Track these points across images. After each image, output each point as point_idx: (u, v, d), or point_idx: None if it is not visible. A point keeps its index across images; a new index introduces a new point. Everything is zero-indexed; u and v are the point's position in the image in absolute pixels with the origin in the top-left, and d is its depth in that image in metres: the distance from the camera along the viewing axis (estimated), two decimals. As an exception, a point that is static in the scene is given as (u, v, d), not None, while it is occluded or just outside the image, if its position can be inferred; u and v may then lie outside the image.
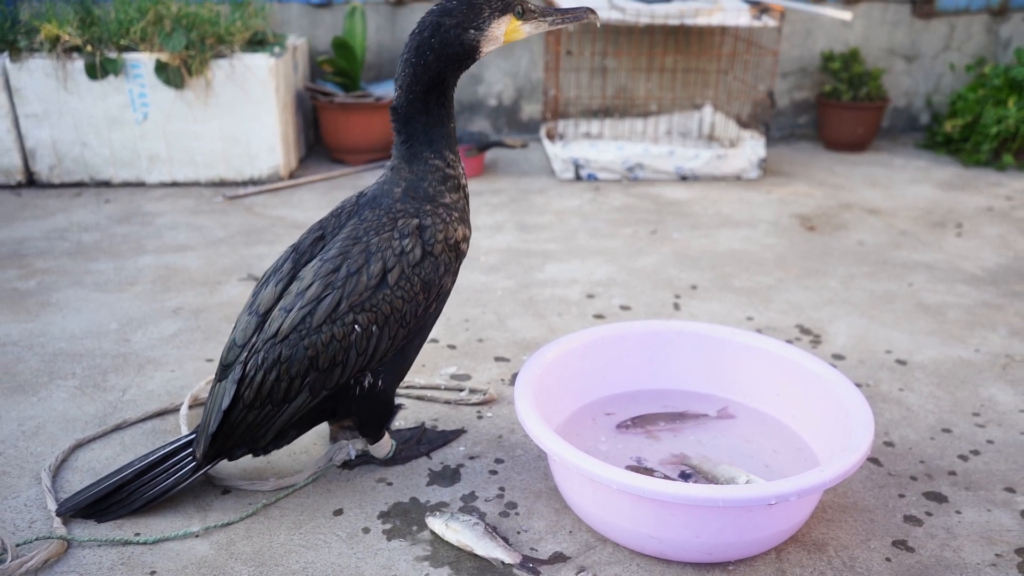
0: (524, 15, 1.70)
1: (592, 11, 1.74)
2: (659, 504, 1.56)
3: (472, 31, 1.67)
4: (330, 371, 1.72)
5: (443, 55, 1.67)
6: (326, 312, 1.68)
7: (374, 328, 1.71)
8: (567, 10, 1.73)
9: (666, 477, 1.89)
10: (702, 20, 4.30)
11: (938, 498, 1.94)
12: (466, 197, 1.85)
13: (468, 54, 1.69)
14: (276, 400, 1.72)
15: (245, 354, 1.74)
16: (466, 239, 1.82)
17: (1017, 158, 4.80)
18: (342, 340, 1.69)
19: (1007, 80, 4.88)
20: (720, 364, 2.18)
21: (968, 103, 4.97)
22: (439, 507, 1.87)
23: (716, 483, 1.87)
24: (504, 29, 1.69)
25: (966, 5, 5.26)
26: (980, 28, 5.32)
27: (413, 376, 2.41)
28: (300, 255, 1.81)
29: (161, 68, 4.00)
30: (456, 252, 1.79)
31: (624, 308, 2.93)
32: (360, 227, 1.77)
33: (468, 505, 1.88)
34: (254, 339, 1.74)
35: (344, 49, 4.45)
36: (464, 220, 1.82)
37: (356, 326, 1.70)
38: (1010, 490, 1.97)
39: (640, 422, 2.10)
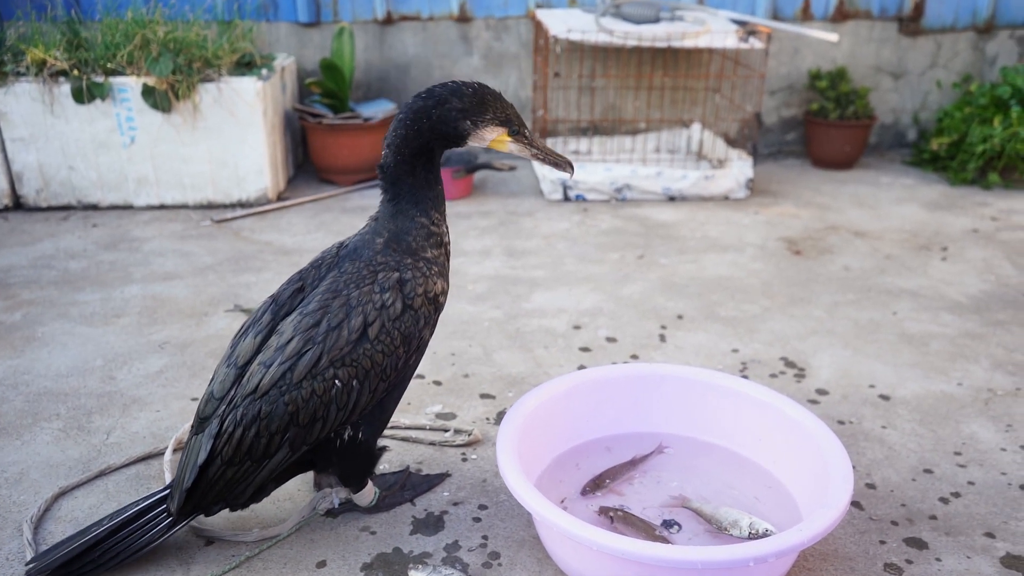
0: (516, 135, 1.78)
1: (570, 166, 1.82)
2: (640, 565, 1.57)
3: (468, 122, 1.72)
4: (310, 427, 1.72)
5: (435, 129, 1.72)
6: (307, 367, 1.69)
7: (355, 383, 1.72)
8: (552, 153, 1.82)
9: (648, 524, 1.90)
10: (689, 42, 4.32)
11: (919, 544, 1.95)
12: (447, 255, 1.87)
13: (456, 137, 1.75)
14: (255, 456, 1.72)
15: (223, 407, 1.74)
16: (444, 292, 1.84)
17: (1003, 177, 4.83)
18: (323, 395, 1.70)
19: (993, 98, 4.91)
20: (703, 408, 2.19)
21: (954, 121, 4.99)
22: (422, 558, 1.88)
23: (719, 526, 1.89)
24: (493, 137, 1.76)
25: (952, 23, 5.29)
26: (966, 46, 5.35)
27: (398, 416, 2.41)
28: (279, 307, 1.82)
29: (148, 92, 3.99)
30: (435, 305, 1.81)
31: (610, 340, 2.94)
32: (340, 280, 1.78)
33: (451, 555, 1.89)
34: (232, 393, 1.75)
35: (332, 70, 4.45)
36: (443, 275, 1.84)
37: (337, 381, 1.70)
38: (990, 535, 1.99)
39: (604, 479, 2.07)
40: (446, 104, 1.70)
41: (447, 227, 1.87)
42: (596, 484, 2.05)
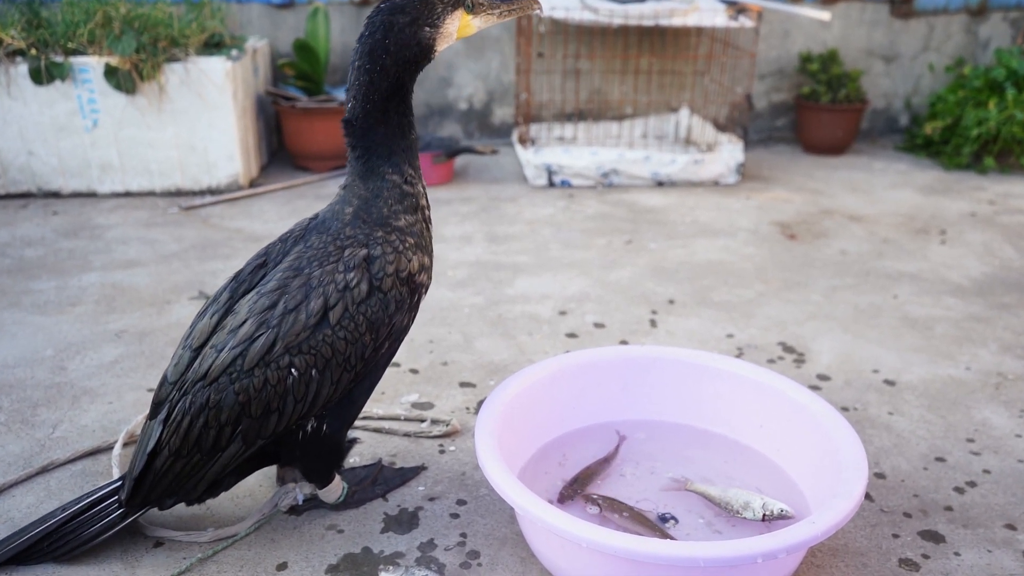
0: (474, 8, 1.58)
1: (537, 3, 1.63)
2: (636, 564, 1.41)
3: (427, 28, 1.54)
4: (265, 419, 1.55)
5: (399, 57, 1.53)
6: (259, 354, 1.51)
7: (313, 372, 1.54)
8: (514, 3, 1.62)
9: (646, 517, 1.74)
10: (677, 21, 4.16)
11: (935, 538, 1.80)
12: (426, 221, 1.69)
13: (424, 54, 1.56)
14: (205, 449, 1.55)
15: (176, 393, 1.57)
16: (424, 269, 1.65)
17: (999, 161, 4.71)
18: (277, 385, 1.52)
19: (987, 81, 4.79)
20: (699, 393, 2.03)
21: (948, 105, 4.87)
22: (394, 559, 1.71)
23: (730, 509, 1.75)
24: (457, 24, 1.57)
25: (944, 5, 5.16)
26: (959, 28, 5.22)
27: (371, 406, 2.24)
28: (239, 284, 1.64)
29: (111, 72, 3.79)
30: (410, 286, 1.62)
31: (598, 326, 2.77)
32: (304, 256, 1.60)
33: (426, 555, 1.72)
34: (185, 377, 1.57)
35: (306, 51, 4.27)
36: (421, 247, 1.65)
37: (293, 370, 1.52)
38: (1011, 527, 1.84)
39: (579, 483, 1.87)
40: (394, 27, 1.51)
41: (424, 188, 1.68)
42: (572, 490, 1.85)
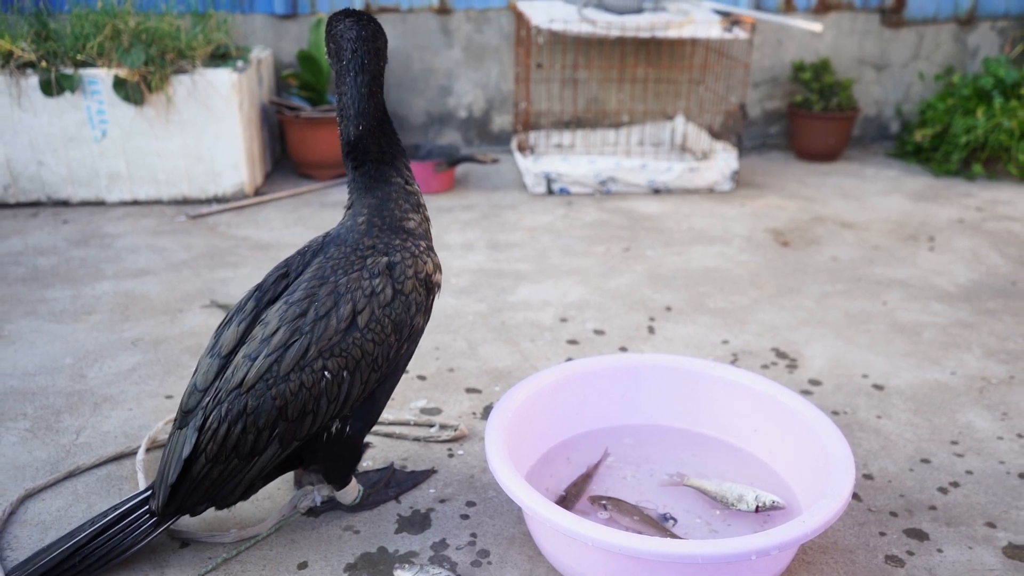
0: None
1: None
2: (638, 561, 1.50)
3: (385, 52, 1.77)
4: (300, 421, 1.65)
5: (382, 79, 1.74)
6: (294, 359, 1.61)
7: (345, 374, 1.65)
8: None
9: (648, 515, 1.84)
10: (673, 33, 4.26)
11: (919, 535, 1.90)
12: (427, 220, 1.85)
13: None
14: (243, 454, 1.64)
15: (207, 400, 1.66)
16: (438, 269, 1.80)
17: (986, 168, 4.82)
18: (311, 388, 1.63)
19: (975, 90, 4.90)
20: (696, 399, 2.13)
21: (937, 112, 4.98)
22: (408, 557, 1.80)
23: (725, 502, 1.87)
24: None
25: (934, 14, 5.28)
26: (948, 37, 5.34)
27: (383, 412, 2.32)
28: (263, 294, 1.75)
29: (120, 84, 3.88)
30: (427, 287, 1.75)
31: (598, 332, 2.87)
32: (327, 266, 1.71)
33: (439, 554, 1.81)
34: (216, 385, 1.66)
35: (309, 62, 4.36)
36: (431, 248, 1.80)
37: (326, 372, 1.63)
38: (991, 525, 1.94)
39: (568, 498, 1.93)
40: (380, 53, 1.71)
41: (418, 186, 1.85)
42: (564, 504, 1.92)
